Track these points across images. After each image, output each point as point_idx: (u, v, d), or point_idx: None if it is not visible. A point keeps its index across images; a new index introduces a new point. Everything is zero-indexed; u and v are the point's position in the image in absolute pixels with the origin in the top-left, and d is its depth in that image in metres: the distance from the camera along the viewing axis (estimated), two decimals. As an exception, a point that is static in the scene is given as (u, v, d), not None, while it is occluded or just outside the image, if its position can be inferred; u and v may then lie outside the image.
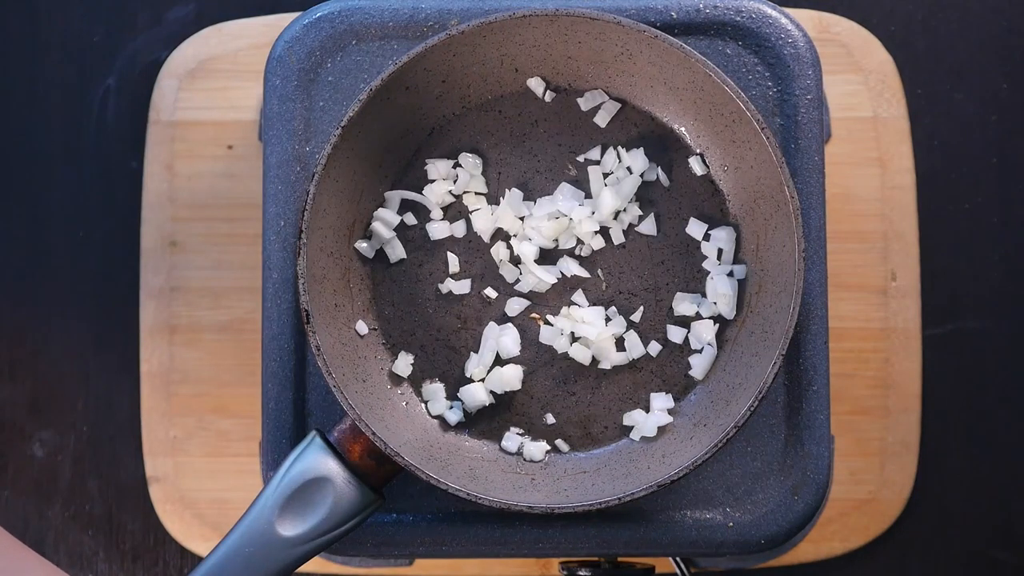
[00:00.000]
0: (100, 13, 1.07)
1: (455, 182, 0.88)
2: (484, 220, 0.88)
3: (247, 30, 1.03)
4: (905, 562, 1.04)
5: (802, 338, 0.86)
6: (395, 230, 0.88)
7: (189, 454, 1.01)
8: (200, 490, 1.01)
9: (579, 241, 0.87)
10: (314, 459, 0.81)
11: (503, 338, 0.87)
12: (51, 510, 1.04)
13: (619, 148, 0.87)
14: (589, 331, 0.86)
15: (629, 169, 0.87)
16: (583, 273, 0.87)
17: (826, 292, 0.86)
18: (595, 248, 0.87)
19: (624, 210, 0.87)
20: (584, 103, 0.88)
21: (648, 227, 0.87)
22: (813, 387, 0.86)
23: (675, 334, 0.86)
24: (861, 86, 1.03)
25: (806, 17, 1.03)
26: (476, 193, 0.88)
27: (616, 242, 0.87)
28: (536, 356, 0.87)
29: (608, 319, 0.87)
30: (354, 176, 0.86)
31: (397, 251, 0.88)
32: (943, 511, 1.04)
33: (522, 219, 0.88)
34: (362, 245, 0.87)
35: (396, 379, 0.87)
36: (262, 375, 0.87)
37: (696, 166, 0.87)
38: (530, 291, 0.88)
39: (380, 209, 0.88)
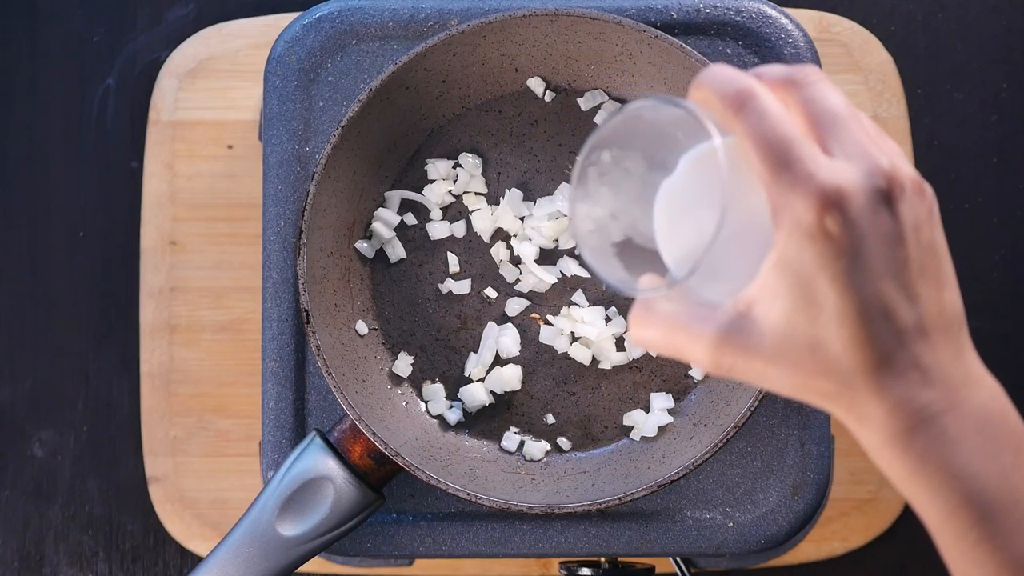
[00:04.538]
0: (100, 13, 1.07)
1: (455, 182, 0.88)
2: (484, 220, 0.88)
3: (247, 30, 1.03)
4: (905, 562, 1.04)
5: (802, 338, 0.86)
6: (395, 230, 0.88)
7: (189, 454, 1.01)
8: (200, 490, 1.01)
9: (579, 241, 0.87)
10: (314, 459, 0.81)
11: (503, 338, 0.87)
12: (51, 510, 1.04)
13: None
14: (589, 331, 0.86)
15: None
16: (583, 273, 0.87)
17: (826, 292, 0.86)
18: (595, 248, 0.87)
19: (624, 210, 0.87)
20: (584, 103, 0.88)
21: (648, 227, 0.87)
22: (813, 387, 0.86)
23: (675, 334, 0.86)
24: (861, 86, 1.03)
25: (806, 17, 1.02)
26: (476, 193, 0.88)
27: (616, 242, 0.87)
28: (536, 356, 0.87)
29: (608, 319, 0.87)
30: (354, 176, 0.86)
31: (397, 251, 0.88)
32: (943, 511, 1.04)
33: (522, 219, 0.88)
34: (362, 245, 0.87)
35: (396, 379, 0.87)
36: (262, 375, 0.87)
37: (696, 166, 0.87)
38: (530, 291, 0.88)
39: (380, 209, 0.88)
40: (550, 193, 0.88)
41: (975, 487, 0.56)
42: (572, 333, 0.87)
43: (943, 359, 0.56)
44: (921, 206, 0.56)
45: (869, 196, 0.55)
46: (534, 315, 0.88)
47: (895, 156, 0.56)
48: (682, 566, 0.91)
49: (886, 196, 0.55)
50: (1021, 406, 1.10)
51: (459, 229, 0.88)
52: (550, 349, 0.87)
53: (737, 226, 0.56)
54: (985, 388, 0.57)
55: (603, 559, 0.88)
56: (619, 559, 0.88)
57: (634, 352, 0.87)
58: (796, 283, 0.55)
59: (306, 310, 0.82)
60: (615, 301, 0.87)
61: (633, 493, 0.81)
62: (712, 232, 0.55)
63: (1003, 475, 0.56)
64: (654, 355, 0.87)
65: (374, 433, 0.81)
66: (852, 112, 0.57)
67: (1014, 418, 0.58)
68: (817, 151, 0.55)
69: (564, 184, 0.87)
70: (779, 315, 0.56)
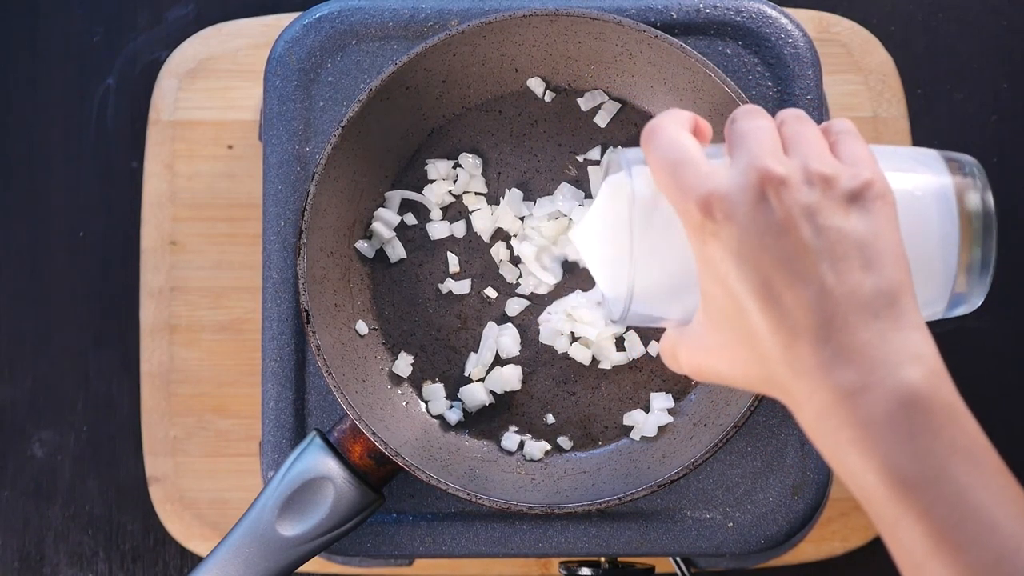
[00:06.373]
0: (100, 13, 1.07)
1: (455, 182, 0.88)
2: (484, 220, 0.88)
3: (247, 30, 1.03)
4: (905, 562, 1.04)
5: (802, 338, 0.86)
6: (395, 230, 0.88)
7: (189, 454, 1.01)
8: (200, 490, 1.01)
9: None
10: (314, 459, 0.81)
11: (503, 338, 0.87)
12: (51, 510, 1.04)
13: (619, 148, 0.87)
14: (589, 331, 0.86)
15: (629, 169, 0.87)
16: (583, 263, 0.87)
17: (826, 292, 0.86)
18: (595, 248, 0.87)
19: (624, 210, 0.87)
20: (584, 103, 0.88)
21: (648, 227, 0.87)
22: (813, 387, 0.86)
23: (675, 334, 0.86)
24: (861, 86, 1.03)
25: (806, 17, 1.02)
26: (476, 193, 0.88)
27: (616, 242, 0.87)
28: (536, 356, 0.87)
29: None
30: (354, 176, 0.86)
31: (397, 251, 0.88)
32: (943, 511, 1.04)
33: (522, 219, 0.88)
34: (362, 245, 0.87)
35: (396, 379, 0.87)
36: (262, 375, 0.87)
37: (696, 166, 0.87)
38: (530, 292, 0.88)
39: (380, 209, 0.88)
40: (550, 193, 0.88)
41: (887, 466, 0.57)
42: (572, 333, 0.87)
43: (859, 340, 0.57)
44: (823, 195, 0.59)
45: (741, 194, 0.59)
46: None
47: (802, 157, 0.60)
48: (682, 566, 0.91)
49: (759, 191, 0.58)
50: (1021, 405, 1.11)
51: (459, 229, 0.88)
52: (550, 349, 0.87)
53: (678, 242, 0.63)
54: (914, 367, 0.58)
55: (603, 559, 0.88)
56: (619, 559, 0.88)
57: (634, 352, 0.87)
58: (717, 282, 0.60)
59: (306, 310, 0.82)
60: (615, 301, 0.87)
61: (633, 493, 0.81)
62: (629, 251, 0.63)
63: (918, 456, 0.57)
64: (654, 355, 0.87)
65: (374, 433, 0.81)
66: (757, 128, 0.61)
67: (944, 399, 0.58)
68: (701, 166, 0.60)
69: (564, 184, 0.87)
70: (714, 312, 0.61)
